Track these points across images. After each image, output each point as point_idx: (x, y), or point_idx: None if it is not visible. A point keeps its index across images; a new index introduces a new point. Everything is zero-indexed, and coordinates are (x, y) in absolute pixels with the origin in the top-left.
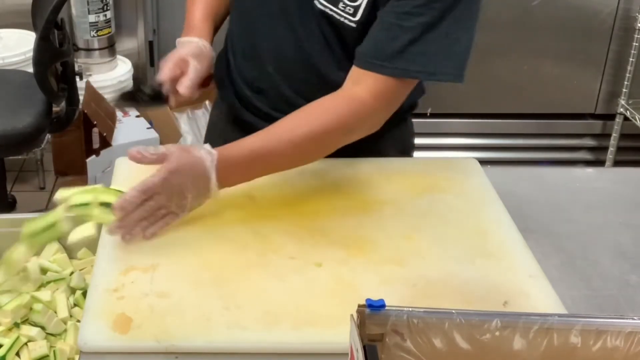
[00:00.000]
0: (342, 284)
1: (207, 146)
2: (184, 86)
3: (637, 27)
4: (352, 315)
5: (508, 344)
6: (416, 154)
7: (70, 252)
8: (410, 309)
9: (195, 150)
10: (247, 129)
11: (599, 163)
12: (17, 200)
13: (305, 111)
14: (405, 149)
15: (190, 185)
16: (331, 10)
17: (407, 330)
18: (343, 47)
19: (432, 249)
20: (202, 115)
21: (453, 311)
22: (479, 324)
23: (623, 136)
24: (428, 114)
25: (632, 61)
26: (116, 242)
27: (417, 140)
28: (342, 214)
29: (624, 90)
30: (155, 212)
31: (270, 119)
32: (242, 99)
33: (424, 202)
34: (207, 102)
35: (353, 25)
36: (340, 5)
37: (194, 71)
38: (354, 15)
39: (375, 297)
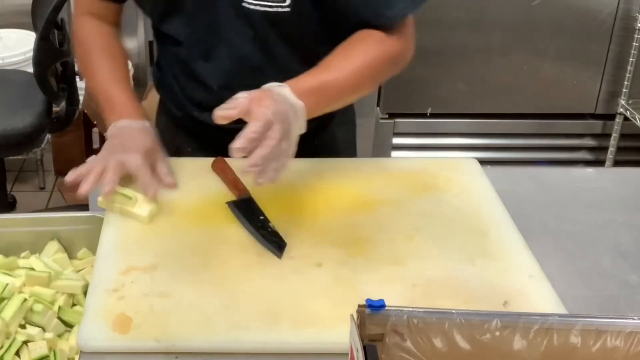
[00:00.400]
0: (342, 284)
1: (275, 84)
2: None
3: (637, 27)
4: (352, 315)
5: (508, 344)
6: (416, 154)
7: (70, 252)
8: (410, 309)
9: (269, 86)
10: (199, 137)
11: (599, 163)
12: (17, 200)
13: (356, 43)
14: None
15: (291, 115)
16: (262, 6)
17: (407, 330)
18: (284, 43)
19: (432, 249)
20: None
21: (453, 311)
22: (479, 324)
23: (623, 136)
24: (428, 114)
25: (632, 61)
26: (116, 242)
27: (417, 140)
28: (342, 214)
29: (624, 90)
30: (277, 147)
31: (224, 131)
32: (192, 118)
33: (424, 202)
34: None
35: (288, 9)
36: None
37: (166, 165)
38: (283, 1)
39: (375, 297)
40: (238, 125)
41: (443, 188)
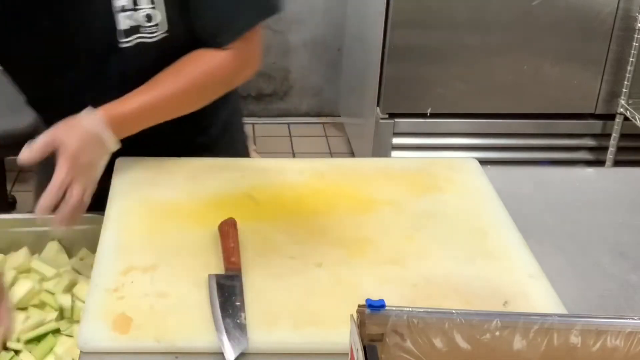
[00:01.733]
0: (342, 284)
1: (89, 109)
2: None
3: (637, 27)
4: (352, 315)
5: (508, 344)
6: (417, 154)
7: (70, 252)
8: (410, 309)
9: (79, 119)
10: None
11: (599, 163)
12: (17, 200)
13: (177, 65)
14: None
15: (95, 146)
16: (141, 38)
17: (407, 330)
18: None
19: (432, 249)
20: None
21: (453, 311)
22: (479, 324)
23: (623, 136)
24: (428, 114)
25: (632, 61)
26: (116, 242)
27: (417, 140)
28: (342, 214)
29: (624, 90)
30: (78, 202)
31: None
32: None
33: (424, 202)
34: None
35: (166, 34)
36: (143, 30)
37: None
38: (161, 28)
39: (375, 297)
40: None
41: (443, 188)
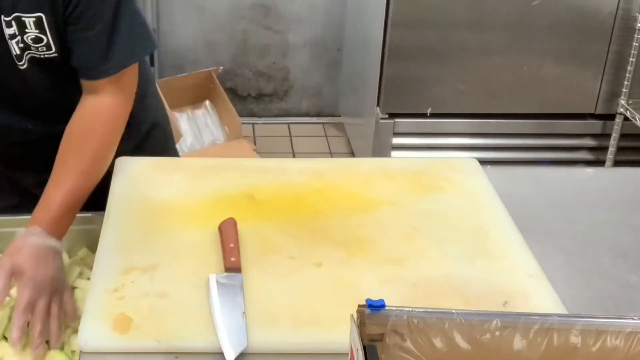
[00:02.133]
0: (342, 284)
1: (27, 231)
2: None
3: (637, 27)
4: (352, 315)
5: (508, 344)
6: (417, 154)
7: (70, 251)
8: (410, 309)
9: (23, 239)
10: None
11: (599, 163)
12: None
13: (74, 141)
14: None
15: (51, 255)
16: (34, 54)
17: (407, 330)
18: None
19: (432, 249)
20: (202, 115)
21: (453, 311)
22: (479, 324)
23: (623, 136)
24: (428, 114)
25: (632, 61)
26: (116, 242)
27: (417, 140)
28: (342, 214)
29: (624, 90)
30: (48, 317)
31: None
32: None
33: (424, 202)
34: (207, 102)
35: (55, 55)
36: (34, 49)
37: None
38: (49, 49)
39: (375, 297)
40: None
41: (443, 188)
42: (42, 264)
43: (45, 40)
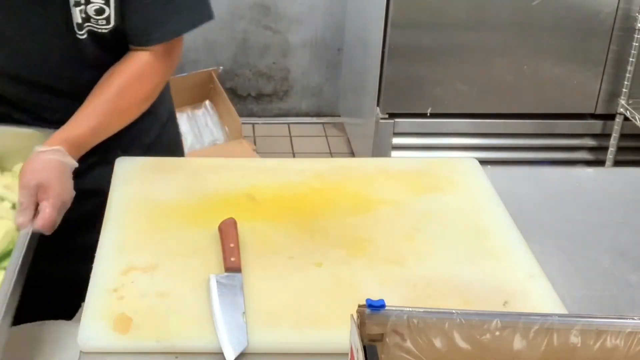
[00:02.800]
0: (342, 284)
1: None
2: None
3: (637, 27)
4: (352, 315)
5: (508, 344)
6: (417, 154)
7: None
8: (410, 309)
9: (45, 157)
10: None
11: (599, 163)
12: None
13: (117, 81)
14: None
15: (72, 187)
16: (92, 27)
17: (407, 330)
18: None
19: (432, 249)
20: (202, 116)
21: (453, 311)
22: (479, 324)
23: (623, 136)
24: (428, 114)
25: (632, 61)
26: (116, 242)
27: (417, 140)
28: (342, 214)
29: (624, 90)
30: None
31: None
32: None
33: (424, 202)
34: (207, 102)
35: (110, 29)
36: (93, 21)
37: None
38: (108, 23)
39: (375, 297)
40: None
41: (443, 188)
42: (68, 184)
43: (106, 13)
